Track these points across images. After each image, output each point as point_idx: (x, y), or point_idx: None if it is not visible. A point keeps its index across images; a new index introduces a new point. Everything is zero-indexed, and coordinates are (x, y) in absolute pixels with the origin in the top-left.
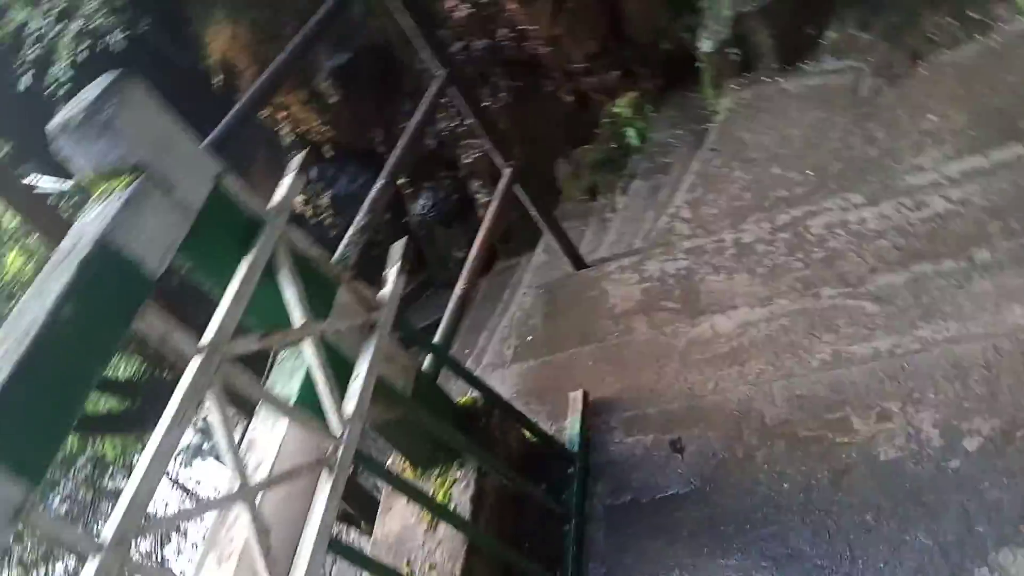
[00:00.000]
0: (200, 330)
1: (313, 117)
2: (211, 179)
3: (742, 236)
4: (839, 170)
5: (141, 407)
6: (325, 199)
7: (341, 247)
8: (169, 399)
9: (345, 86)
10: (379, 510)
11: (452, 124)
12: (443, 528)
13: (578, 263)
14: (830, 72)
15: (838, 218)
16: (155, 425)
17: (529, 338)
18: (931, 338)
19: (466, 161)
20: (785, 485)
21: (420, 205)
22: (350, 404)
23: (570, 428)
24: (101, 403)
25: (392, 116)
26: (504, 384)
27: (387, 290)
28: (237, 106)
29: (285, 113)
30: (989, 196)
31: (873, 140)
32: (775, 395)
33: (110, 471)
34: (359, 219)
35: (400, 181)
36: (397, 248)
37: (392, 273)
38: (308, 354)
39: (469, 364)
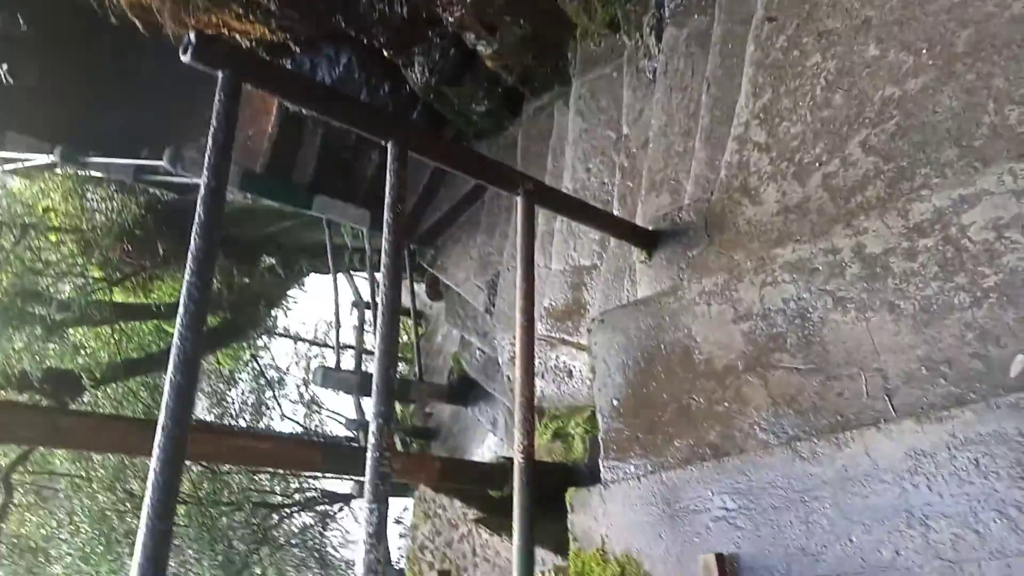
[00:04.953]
0: None
1: (258, 27)
2: None
3: (864, 243)
4: (970, 40)
5: (232, 319)
6: None
7: None
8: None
9: None
10: None
11: None
12: None
13: (641, 238)
14: None
15: (1010, 211)
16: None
17: (615, 402)
18: None
19: (451, 18)
20: None
21: (418, 72)
22: None
23: None
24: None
25: None
26: (605, 516)
27: None
28: None
29: (225, 31)
30: None
31: None
32: None
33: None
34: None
35: (386, 54)
36: None
37: None
38: None
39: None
